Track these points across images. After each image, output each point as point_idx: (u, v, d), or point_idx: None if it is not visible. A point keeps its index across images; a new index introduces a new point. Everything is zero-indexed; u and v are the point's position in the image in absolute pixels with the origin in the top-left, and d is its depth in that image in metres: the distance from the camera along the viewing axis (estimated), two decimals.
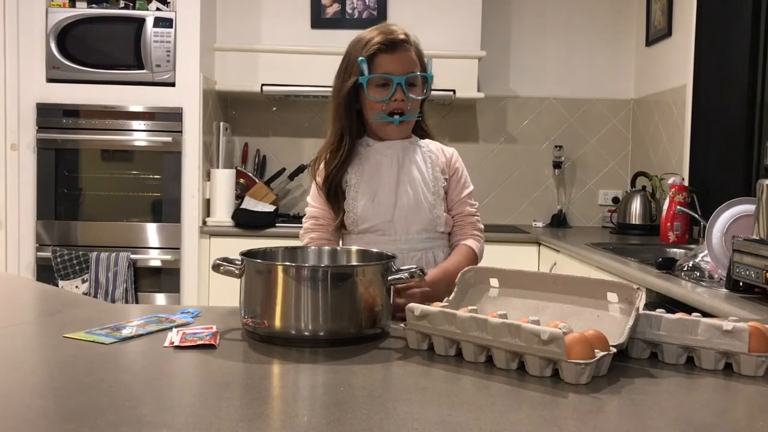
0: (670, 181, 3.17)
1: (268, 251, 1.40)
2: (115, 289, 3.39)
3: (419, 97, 1.69)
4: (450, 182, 1.77)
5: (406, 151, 1.74)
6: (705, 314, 1.17)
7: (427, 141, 1.80)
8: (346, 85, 1.69)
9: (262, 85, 3.74)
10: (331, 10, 3.84)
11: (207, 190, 3.63)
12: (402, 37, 1.67)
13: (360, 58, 1.66)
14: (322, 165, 1.75)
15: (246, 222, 3.53)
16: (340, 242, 1.80)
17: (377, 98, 1.67)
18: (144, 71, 3.45)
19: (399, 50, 1.66)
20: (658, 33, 3.79)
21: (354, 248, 1.48)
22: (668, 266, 2.19)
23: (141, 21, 3.45)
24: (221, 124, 3.82)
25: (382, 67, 1.66)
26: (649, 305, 2.05)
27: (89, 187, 3.57)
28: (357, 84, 1.67)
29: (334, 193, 1.74)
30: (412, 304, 1.19)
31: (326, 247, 1.51)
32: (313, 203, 1.80)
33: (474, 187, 1.85)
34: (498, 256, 3.51)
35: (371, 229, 1.72)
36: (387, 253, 1.38)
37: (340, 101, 1.72)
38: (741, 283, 1.79)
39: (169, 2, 3.56)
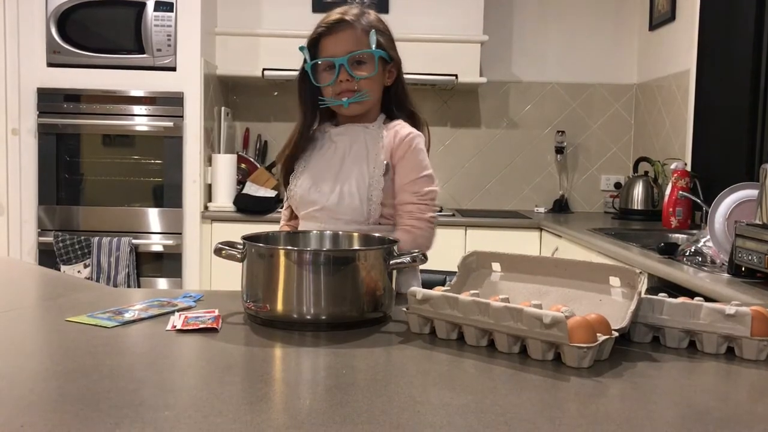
0: (673, 166, 3.16)
1: (270, 235, 1.40)
2: (117, 273, 3.39)
3: (369, 75, 1.62)
4: (396, 169, 1.66)
5: (357, 137, 1.69)
6: (707, 299, 1.17)
7: (394, 123, 1.70)
8: (299, 74, 1.69)
9: (264, 69, 3.72)
10: None
11: (208, 175, 3.62)
12: (337, 17, 1.63)
13: (300, 46, 1.65)
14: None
15: (247, 207, 3.53)
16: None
17: (325, 83, 1.65)
18: (145, 56, 3.44)
19: (338, 31, 1.62)
20: (661, 17, 3.77)
21: (355, 233, 1.48)
22: (670, 251, 2.19)
23: (141, 5, 3.43)
24: (222, 108, 3.81)
25: (325, 50, 1.64)
26: (651, 290, 2.05)
27: (90, 172, 3.57)
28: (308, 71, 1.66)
29: (286, 179, 1.75)
30: (413, 288, 1.19)
31: (328, 231, 1.51)
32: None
33: (430, 171, 1.68)
34: (500, 241, 3.54)
35: (306, 216, 1.70)
36: (389, 237, 1.37)
37: (298, 90, 1.72)
38: (743, 268, 1.78)
39: None
